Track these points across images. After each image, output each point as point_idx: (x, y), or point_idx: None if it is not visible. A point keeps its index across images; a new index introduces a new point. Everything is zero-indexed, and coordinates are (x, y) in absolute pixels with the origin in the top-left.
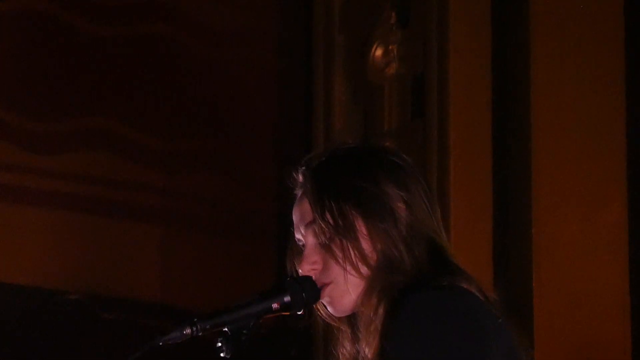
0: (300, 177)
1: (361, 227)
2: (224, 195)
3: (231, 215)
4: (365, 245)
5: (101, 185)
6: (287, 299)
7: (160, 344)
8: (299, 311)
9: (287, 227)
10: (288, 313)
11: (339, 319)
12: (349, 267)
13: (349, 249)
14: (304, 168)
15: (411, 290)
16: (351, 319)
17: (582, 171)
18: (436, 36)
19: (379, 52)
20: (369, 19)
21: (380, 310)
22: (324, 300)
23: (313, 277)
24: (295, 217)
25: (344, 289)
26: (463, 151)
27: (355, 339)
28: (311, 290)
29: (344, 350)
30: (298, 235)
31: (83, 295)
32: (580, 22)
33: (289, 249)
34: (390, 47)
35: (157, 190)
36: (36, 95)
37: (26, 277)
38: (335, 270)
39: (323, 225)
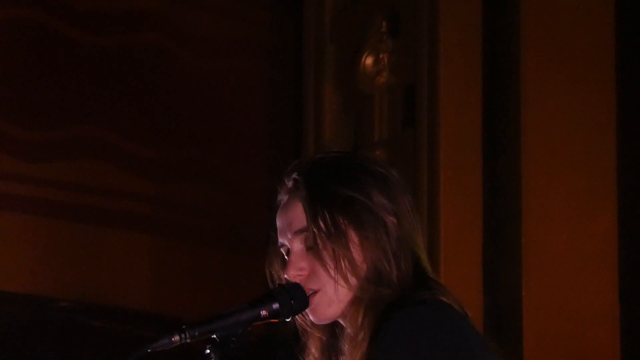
0: (290, 184)
1: (353, 237)
2: (214, 205)
3: (221, 224)
4: (357, 255)
5: (92, 194)
6: (275, 306)
7: (149, 351)
8: (288, 319)
9: (270, 228)
10: (277, 320)
11: (318, 327)
12: (339, 277)
13: (340, 258)
14: (295, 174)
15: (396, 305)
16: (332, 328)
17: (572, 182)
18: (427, 45)
19: (369, 61)
20: (359, 29)
21: (366, 324)
22: (310, 307)
23: (299, 282)
24: (281, 222)
25: (331, 298)
26: (453, 161)
27: (332, 349)
28: (300, 298)
29: (311, 358)
30: (283, 241)
31: (73, 303)
32: (570, 34)
33: (268, 255)
34: (381, 56)
35: (148, 199)
36: (27, 104)
37: (16, 285)
38: (324, 279)
39: (316, 232)
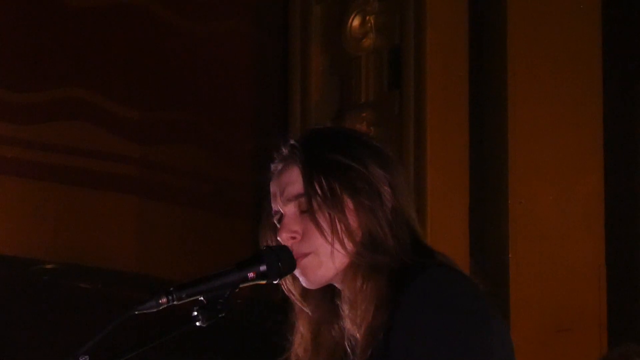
0: (287, 151)
1: (349, 204)
2: (200, 167)
3: (207, 186)
4: (352, 220)
5: (78, 155)
6: (263, 268)
7: (137, 312)
8: (275, 280)
9: (263, 199)
10: (264, 282)
11: (310, 298)
12: (335, 241)
13: (336, 222)
14: (292, 142)
15: (405, 271)
16: (325, 295)
17: (559, 143)
18: (413, 8)
19: (356, 23)
20: None
21: (367, 289)
22: (298, 270)
23: (290, 246)
24: (275, 188)
25: (324, 261)
26: (439, 123)
27: (330, 317)
28: (287, 259)
29: (299, 338)
30: (276, 206)
31: (59, 264)
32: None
33: (262, 221)
34: (367, 18)
35: (134, 161)
36: (12, 66)
37: (2, 247)
38: (318, 242)
39: (312, 195)
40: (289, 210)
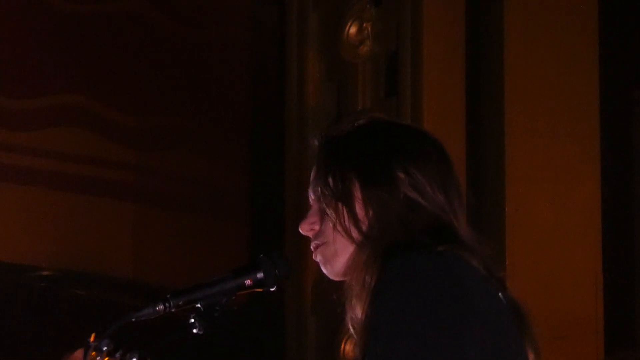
0: (317, 144)
1: (357, 192)
2: (196, 173)
3: (204, 192)
4: (359, 209)
5: (74, 162)
6: (259, 275)
7: (133, 319)
8: (272, 288)
9: (259, 205)
10: (261, 290)
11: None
12: (339, 229)
13: (342, 212)
14: (322, 134)
15: (399, 251)
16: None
17: (556, 149)
18: (410, 15)
19: (353, 30)
20: None
21: (368, 279)
22: (318, 260)
23: (311, 236)
24: (310, 180)
25: (333, 250)
26: (436, 130)
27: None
28: (284, 266)
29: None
30: (310, 198)
31: (56, 271)
32: (555, 3)
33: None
34: (364, 25)
35: (130, 167)
36: (8, 73)
37: None
38: (328, 232)
39: (323, 188)
40: (313, 202)
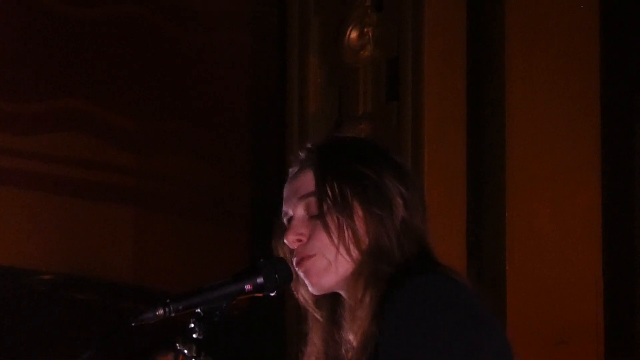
0: (303, 154)
1: (358, 210)
2: (197, 177)
3: (204, 197)
4: (360, 228)
5: (75, 166)
6: (260, 280)
7: (134, 324)
8: (272, 293)
9: (260, 209)
10: (261, 295)
11: (319, 304)
12: (341, 246)
13: (344, 227)
14: (309, 146)
15: (403, 277)
16: (333, 304)
17: (556, 155)
18: (411, 19)
19: (354, 35)
20: (344, 2)
21: (367, 298)
22: (301, 273)
23: (297, 249)
24: (288, 190)
25: (328, 265)
26: (437, 135)
27: (334, 326)
28: (284, 271)
29: (312, 348)
30: (287, 209)
31: (56, 275)
32: (556, 7)
33: (275, 229)
34: (365, 30)
35: (131, 172)
36: (10, 77)
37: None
38: (324, 245)
39: (323, 198)
40: (299, 213)
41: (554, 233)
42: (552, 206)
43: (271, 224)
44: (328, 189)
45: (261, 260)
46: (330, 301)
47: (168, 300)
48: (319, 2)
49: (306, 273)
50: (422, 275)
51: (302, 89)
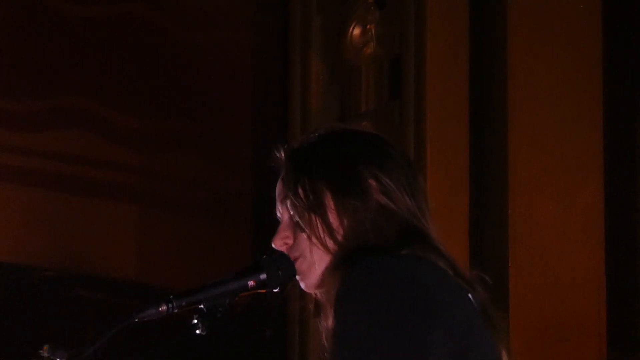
0: (282, 156)
1: (330, 202)
2: (199, 175)
3: (206, 194)
4: (333, 219)
5: (77, 164)
6: (263, 276)
7: (137, 320)
8: (275, 289)
9: (262, 207)
10: (264, 291)
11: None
12: (314, 240)
13: (316, 223)
14: (285, 147)
15: (361, 257)
16: None
17: (559, 153)
18: (414, 17)
19: (356, 32)
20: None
21: (335, 280)
22: (297, 275)
23: (285, 250)
24: (276, 194)
25: (310, 263)
26: (440, 133)
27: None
28: (287, 267)
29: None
30: (277, 212)
31: (59, 272)
32: (558, 4)
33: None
34: (367, 27)
35: (133, 169)
36: (12, 74)
37: (1, 254)
38: (303, 245)
39: (294, 200)
40: (284, 216)
41: (557, 231)
42: (555, 204)
43: (273, 221)
44: (300, 189)
45: (264, 256)
46: None
47: (171, 297)
48: (321, 0)
49: (299, 276)
50: (372, 258)
51: (304, 87)
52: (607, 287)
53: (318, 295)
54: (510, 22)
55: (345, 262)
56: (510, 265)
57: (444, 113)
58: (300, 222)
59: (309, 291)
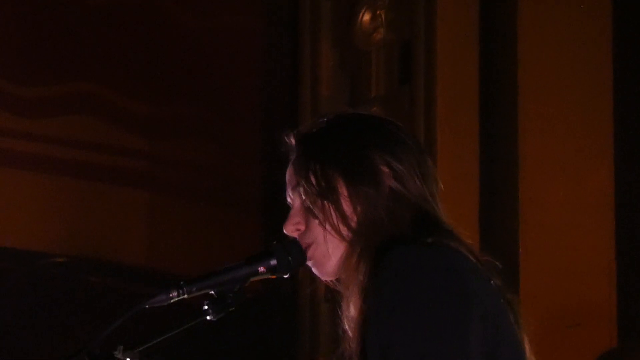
0: (293, 141)
1: (342, 189)
2: (209, 161)
3: (217, 181)
4: (346, 206)
5: (88, 150)
6: (273, 262)
7: (147, 306)
8: (285, 275)
9: (272, 193)
10: (274, 277)
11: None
12: (328, 228)
13: (329, 210)
14: (295, 132)
15: (390, 246)
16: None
17: (569, 138)
18: (423, 2)
19: (366, 18)
20: None
21: (361, 269)
22: (309, 262)
23: (297, 237)
24: (286, 180)
25: (324, 250)
26: (450, 118)
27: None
28: (297, 254)
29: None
30: (288, 197)
31: (69, 258)
32: None
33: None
34: (377, 13)
35: (144, 155)
36: (23, 61)
37: (13, 240)
38: (316, 232)
39: (306, 186)
40: (296, 202)
41: (567, 216)
42: (565, 189)
43: (283, 207)
44: (312, 175)
45: (274, 242)
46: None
47: (182, 283)
48: None
49: (311, 262)
50: (407, 248)
51: (314, 72)
52: (617, 272)
53: (334, 283)
54: (520, 6)
55: (368, 251)
56: (520, 250)
57: (454, 98)
58: (313, 209)
59: (324, 279)
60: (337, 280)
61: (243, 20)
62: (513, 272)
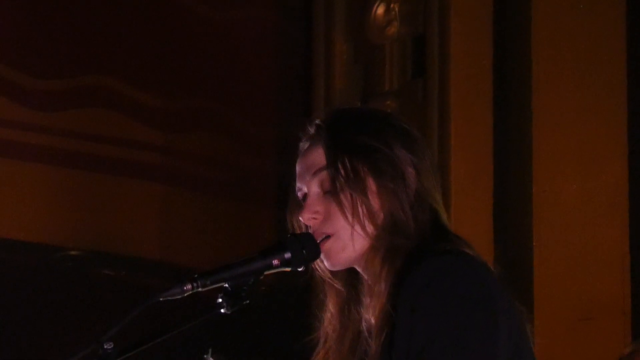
0: (313, 130)
1: (371, 185)
2: (223, 154)
3: (231, 174)
4: (374, 203)
5: (102, 143)
6: (287, 255)
7: (161, 299)
8: (299, 268)
9: (286, 186)
10: (289, 270)
11: (338, 278)
12: (355, 222)
13: (357, 204)
14: (318, 121)
15: (417, 256)
16: (351, 279)
17: (583, 131)
18: None
19: (380, 11)
20: None
21: (384, 274)
22: (322, 252)
23: (312, 226)
24: (300, 167)
25: (346, 243)
26: (463, 111)
27: (351, 301)
28: (311, 247)
29: (329, 315)
30: (301, 185)
31: (83, 251)
32: None
33: (290, 204)
34: (391, 6)
35: (158, 149)
36: (37, 52)
37: (27, 233)
38: (340, 223)
39: (335, 175)
40: (313, 189)
41: (581, 209)
42: (579, 182)
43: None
44: (340, 166)
45: (289, 235)
46: (349, 274)
47: (196, 276)
48: None
49: (325, 253)
50: (442, 257)
51: (328, 66)
52: (631, 264)
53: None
54: (534, 0)
55: (393, 254)
56: (534, 243)
57: (468, 92)
58: (341, 199)
59: (333, 269)
60: (336, 277)
61: (257, 13)
62: (527, 265)
